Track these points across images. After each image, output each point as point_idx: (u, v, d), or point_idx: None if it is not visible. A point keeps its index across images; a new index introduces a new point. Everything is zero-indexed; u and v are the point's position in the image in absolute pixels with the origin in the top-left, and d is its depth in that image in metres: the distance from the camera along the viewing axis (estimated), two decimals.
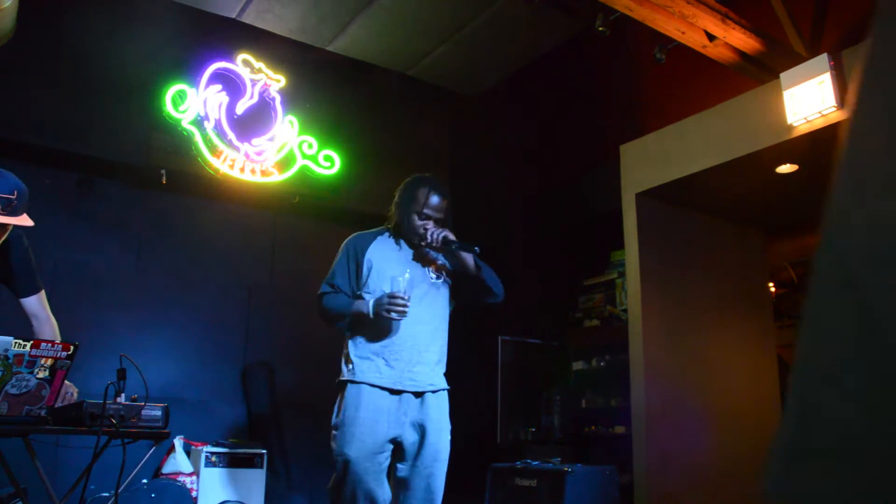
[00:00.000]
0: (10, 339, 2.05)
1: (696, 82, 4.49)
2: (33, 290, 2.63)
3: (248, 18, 4.96)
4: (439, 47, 5.35)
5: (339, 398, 2.56)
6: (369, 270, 2.62)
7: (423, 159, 5.84)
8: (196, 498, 4.07)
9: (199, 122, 4.79)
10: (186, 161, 4.74)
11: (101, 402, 2.29)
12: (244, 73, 5.05)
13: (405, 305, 2.45)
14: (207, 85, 4.87)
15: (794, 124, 3.53)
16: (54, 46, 4.37)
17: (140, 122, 4.62)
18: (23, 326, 2.60)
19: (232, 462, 4.22)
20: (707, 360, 4.35)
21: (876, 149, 0.38)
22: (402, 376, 2.53)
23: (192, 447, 4.33)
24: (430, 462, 2.52)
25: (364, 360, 2.53)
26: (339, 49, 5.31)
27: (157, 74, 4.71)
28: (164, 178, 4.61)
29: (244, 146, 4.94)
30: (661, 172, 4.19)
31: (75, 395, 2.49)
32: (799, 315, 5.70)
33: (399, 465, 2.54)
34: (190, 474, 4.16)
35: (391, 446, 2.51)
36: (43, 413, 2.16)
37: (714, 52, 3.65)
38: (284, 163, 5.10)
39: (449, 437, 2.61)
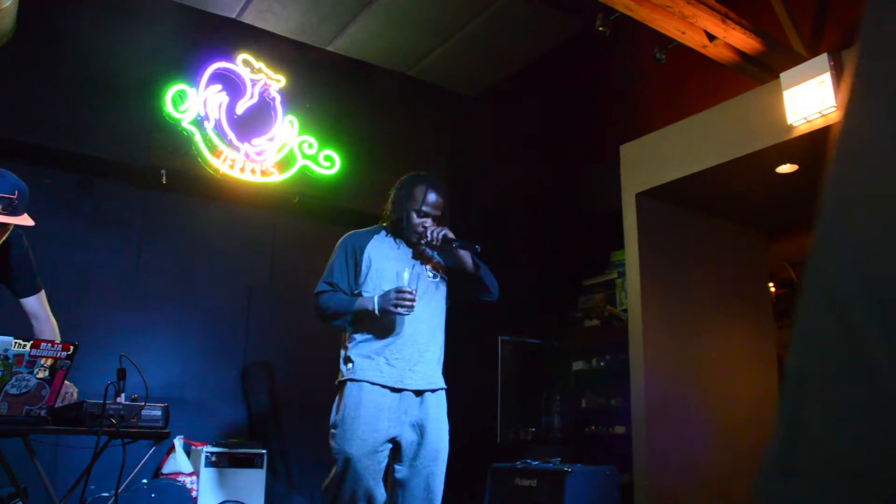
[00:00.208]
0: (10, 339, 2.05)
1: (696, 82, 4.49)
2: (33, 291, 2.63)
3: (247, 18, 4.96)
4: (439, 47, 5.35)
5: (338, 397, 2.55)
6: (368, 268, 2.61)
7: (423, 159, 5.83)
8: (196, 498, 4.07)
9: (199, 122, 4.79)
10: (186, 161, 4.74)
11: (101, 402, 2.29)
12: (244, 73, 5.05)
13: (413, 300, 2.45)
14: (207, 85, 4.87)
15: (794, 124, 3.53)
16: (54, 46, 4.37)
17: (140, 122, 4.63)
18: (23, 326, 2.60)
19: (232, 462, 4.22)
20: (707, 361, 4.35)
21: (860, 170, 0.38)
22: (403, 375, 2.52)
23: (192, 447, 4.34)
24: (429, 462, 2.51)
25: (365, 359, 2.53)
26: (339, 49, 5.32)
27: (157, 74, 4.71)
28: (164, 178, 4.62)
29: (244, 146, 4.95)
30: (661, 172, 4.19)
31: (75, 395, 2.49)
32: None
33: (397, 466, 2.53)
34: (190, 474, 4.16)
35: (390, 445, 2.51)
36: (43, 413, 2.16)
37: (714, 52, 3.65)
38: (284, 163, 5.10)
39: (447, 437, 2.60)
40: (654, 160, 4.25)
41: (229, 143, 4.88)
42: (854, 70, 0.41)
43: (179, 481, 4.04)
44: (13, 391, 2.07)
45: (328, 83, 5.47)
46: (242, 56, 5.06)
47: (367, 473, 2.42)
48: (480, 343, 5.01)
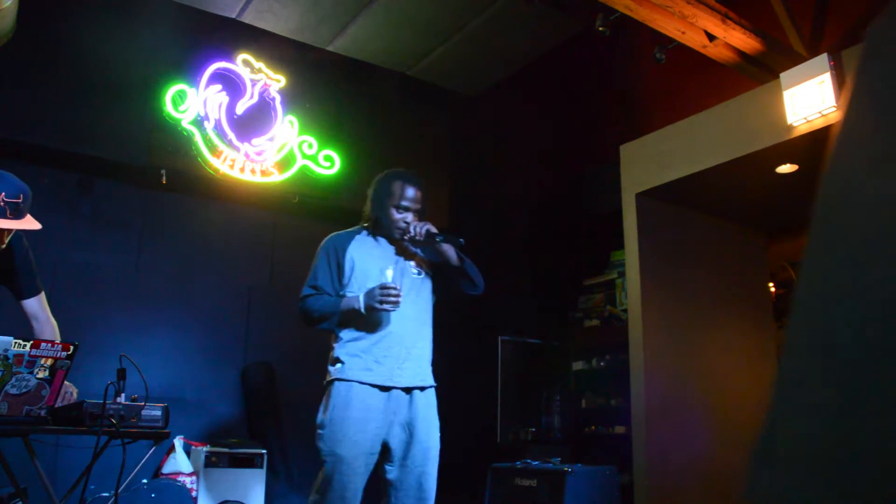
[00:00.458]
0: (10, 339, 2.05)
1: (696, 82, 4.49)
2: (34, 292, 2.63)
3: (247, 18, 4.96)
4: (439, 47, 5.35)
5: (325, 396, 2.52)
6: (351, 270, 2.60)
7: (423, 159, 5.83)
8: (196, 498, 4.07)
9: (199, 122, 4.79)
10: (186, 161, 4.74)
11: (101, 402, 2.29)
12: (244, 73, 5.05)
13: (398, 296, 2.44)
14: (207, 85, 4.87)
15: (794, 124, 3.53)
16: (54, 46, 4.37)
17: (140, 122, 4.62)
18: (23, 327, 2.60)
19: (232, 462, 4.21)
20: (707, 361, 4.35)
21: (857, 169, 0.39)
22: (392, 373, 2.50)
23: (192, 447, 4.33)
24: (420, 461, 2.48)
25: (353, 358, 2.50)
26: (339, 49, 5.31)
27: (157, 74, 4.71)
28: (164, 178, 4.61)
29: (244, 146, 4.95)
30: (661, 172, 4.19)
31: (75, 395, 2.49)
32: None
33: (388, 467, 2.50)
34: (190, 474, 4.16)
35: (379, 447, 2.48)
36: (43, 413, 2.16)
37: (714, 52, 3.65)
38: (284, 163, 5.10)
39: (439, 435, 2.57)
40: (654, 160, 4.25)
41: (229, 143, 4.88)
42: (857, 69, 0.41)
43: (179, 481, 4.04)
44: (13, 391, 2.07)
45: (328, 83, 5.47)
46: (242, 56, 5.06)
47: (357, 475, 2.39)
48: (480, 343, 5.01)
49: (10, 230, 2.38)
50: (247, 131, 4.99)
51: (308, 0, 4.79)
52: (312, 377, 4.45)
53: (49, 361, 2.12)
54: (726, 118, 3.90)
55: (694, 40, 3.58)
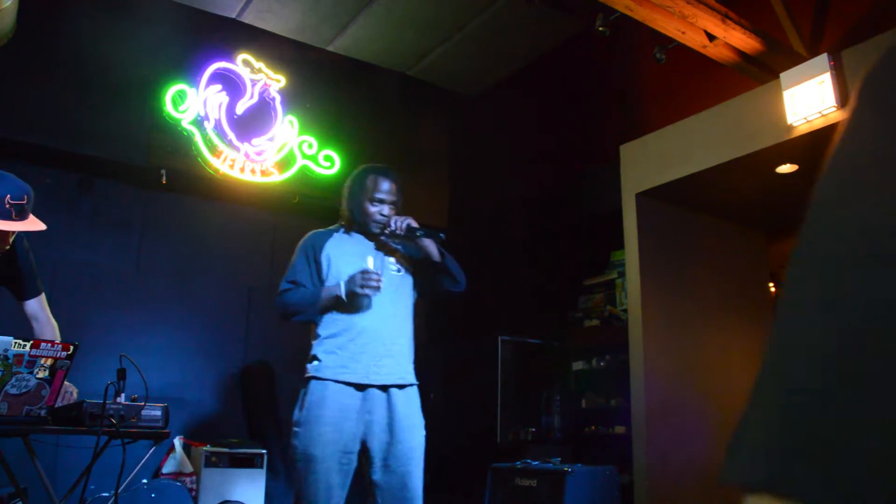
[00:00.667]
0: (10, 339, 2.05)
1: (696, 82, 4.49)
2: (35, 293, 2.64)
3: (247, 18, 4.96)
4: (439, 47, 5.35)
5: (302, 393, 2.51)
6: (328, 267, 2.58)
7: (423, 159, 5.84)
8: (196, 498, 4.07)
9: (199, 122, 4.79)
10: (186, 161, 4.74)
11: (101, 402, 2.29)
12: (244, 73, 5.05)
13: (379, 280, 2.43)
14: (207, 85, 4.87)
15: (794, 124, 3.53)
16: (54, 46, 4.37)
17: (140, 122, 4.62)
18: (23, 327, 2.60)
19: (232, 462, 4.21)
20: (707, 361, 4.35)
21: (857, 168, 0.39)
22: (369, 370, 2.46)
23: (192, 447, 4.33)
24: (404, 461, 2.44)
25: (329, 356, 2.48)
26: (339, 49, 5.31)
27: (157, 74, 4.71)
28: (164, 178, 4.62)
29: (244, 146, 4.95)
30: (661, 172, 4.19)
31: (75, 395, 2.49)
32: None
33: (371, 469, 2.45)
34: (190, 474, 4.16)
35: (358, 447, 2.44)
36: (43, 413, 2.16)
37: (714, 52, 3.65)
38: (284, 163, 5.10)
39: (423, 434, 2.53)
40: (654, 160, 4.25)
41: (229, 143, 4.88)
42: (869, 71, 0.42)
43: (179, 481, 4.04)
44: (13, 391, 2.07)
45: (328, 83, 5.47)
46: (242, 56, 5.06)
47: (331, 474, 2.36)
48: (480, 343, 5.01)
49: (14, 231, 2.38)
50: (247, 131, 4.99)
51: (308, 0, 4.79)
52: None
53: (49, 361, 2.12)
54: (726, 118, 3.90)
55: (694, 40, 3.58)
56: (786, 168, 3.97)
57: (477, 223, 5.75)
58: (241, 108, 5.00)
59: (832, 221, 0.39)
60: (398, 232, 2.57)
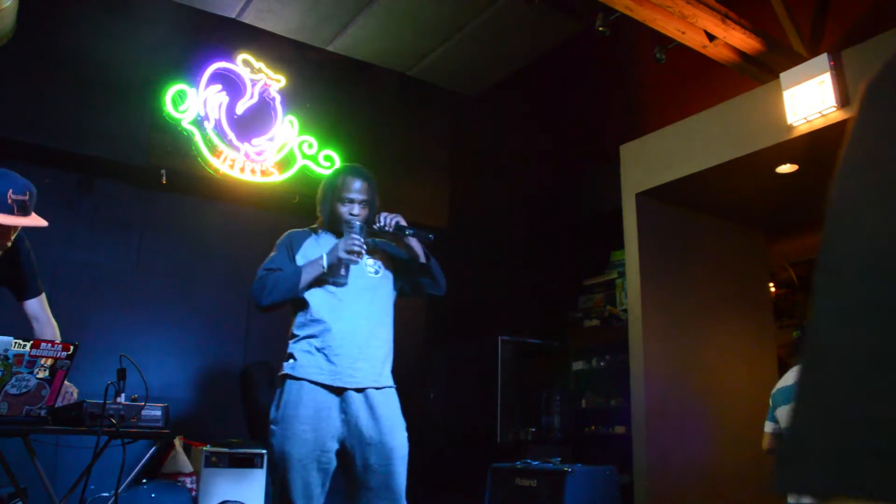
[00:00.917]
0: (10, 339, 2.05)
1: (696, 82, 4.49)
2: (35, 293, 2.64)
3: (247, 18, 4.96)
4: (439, 47, 5.35)
5: (278, 391, 2.48)
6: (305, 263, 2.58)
7: (423, 159, 5.84)
8: (196, 498, 4.07)
9: (199, 122, 4.79)
10: (186, 161, 4.74)
11: (101, 402, 2.29)
12: (244, 73, 5.05)
13: (361, 245, 2.44)
14: (207, 85, 4.87)
15: (794, 124, 3.53)
16: (54, 46, 4.37)
17: (140, 122, 4.63)
18: (23, 327, 2.60)
19: (232, 462, 4.21)
20: (707, 361, 4.35)
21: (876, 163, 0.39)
22: (344, 373, 2.43)
23: (192, 447, 4.33)
24: (385, 461, 2.41)
25: (305, 355, 2.46)
26: (339, 49, 5.32)
27: (157, 74, 4.71)
28: (164, 178, 4.62)
29: (244, 146, 4.95)
30: (661, 172, 4.19)
31: (75, 395, 2.49)
32: (798, 315, 5.69)
33: (354, 471, 2.43)
34: (190, 474, 4.16)
35: (335, 447, 2.42)
36: (43, 413, 2.16)
37: (714, 52, 3.65)
38: (284, 163, 5.10)
39: (405, 435, 2.50)
40: (654, 160, 4.25)
41: (229, 143, 4.88)
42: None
43: (179, 481, 4.04)
44: (13, 391, 2.07)
45: (328, 83, 5.47)
46: (242, 56, 5.06)
47: (309, 473, 2.35)
48: (480, 343, 5.01)
49: (16, 227, 2.38)
50: (247, 131, 4.99)
51: (308, 0, 4.79)
52: None
53: (49, 361, 2.12)
54: (726, 118, 3.90)
55: (694, 40, 3.58)
56: (786, 168, 3.97)
57: (477, 223, 5.75)
58: (241, 108, 5.00)
59: (851, 230, 0.39)
60: (387, 228, 2.54)
